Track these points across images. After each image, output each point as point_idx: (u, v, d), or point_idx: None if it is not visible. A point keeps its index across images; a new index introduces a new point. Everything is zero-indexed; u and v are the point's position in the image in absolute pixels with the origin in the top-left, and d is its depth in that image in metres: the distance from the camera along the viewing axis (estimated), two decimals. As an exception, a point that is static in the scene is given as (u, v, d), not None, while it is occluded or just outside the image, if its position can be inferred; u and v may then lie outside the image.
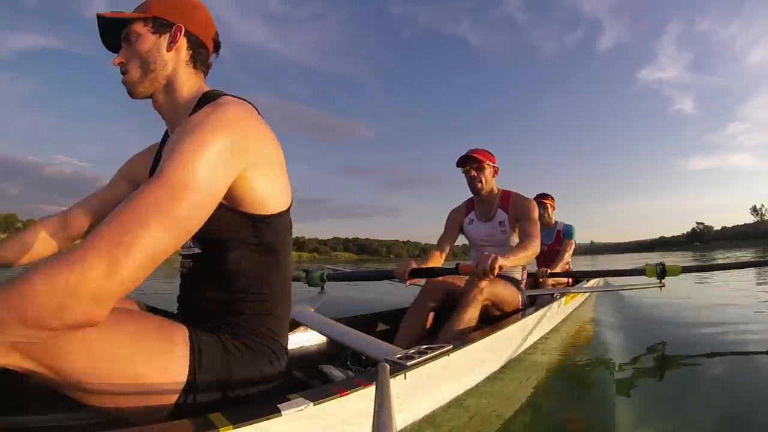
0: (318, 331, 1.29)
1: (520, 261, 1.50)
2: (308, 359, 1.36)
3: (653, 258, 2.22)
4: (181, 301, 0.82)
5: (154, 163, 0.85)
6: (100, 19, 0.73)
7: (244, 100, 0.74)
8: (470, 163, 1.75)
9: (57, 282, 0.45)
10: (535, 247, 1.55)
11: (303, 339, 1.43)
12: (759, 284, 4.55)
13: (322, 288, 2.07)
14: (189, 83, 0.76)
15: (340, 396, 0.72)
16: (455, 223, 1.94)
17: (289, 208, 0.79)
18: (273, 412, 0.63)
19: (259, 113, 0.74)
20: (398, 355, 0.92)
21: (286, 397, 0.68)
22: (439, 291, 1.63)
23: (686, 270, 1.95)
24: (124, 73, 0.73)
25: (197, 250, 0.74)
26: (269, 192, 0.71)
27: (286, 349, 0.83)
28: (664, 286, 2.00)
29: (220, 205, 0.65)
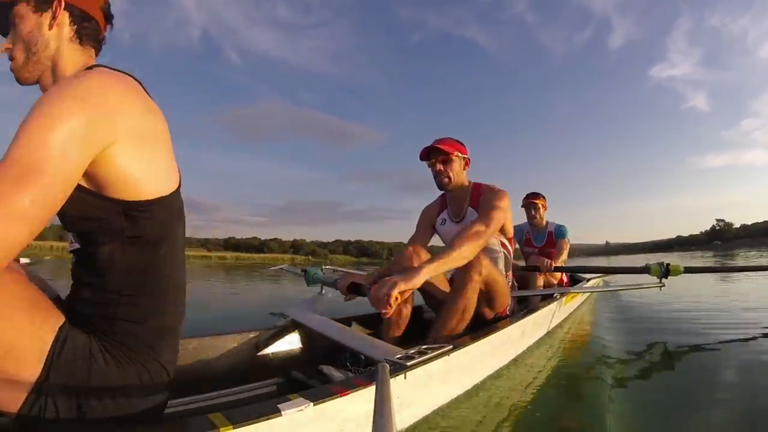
0: (317, 331, 1.32)
1: (449, 263, 1.25)
2: (308, 359, 1.40)
3: (671, 258, 2.28)
4: (66, 299, 0.75)
5: None
6: None
7: (125, 73, 0.68)
8: (435, 155, 1.60)
9: None
10: (477, 236, 1.32)
11: (302, 339, 1.46)
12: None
13: (322, 287, 2.11)
14: (75, 61, 0.72)
15: (341, 396, 0.75)
16: (428, 222, 1.81)
17: (174, 192, 0.71)
18: (273, 412, 0.66)
19: (142, 87, 0.69)
20: (398, 355, 0.95)
21: (286, 397, 0.71)
22: (414, 264, 1.47)
23: (688, 270, 2.07)
24: (11, 59, 0.70)
25: (77, 246, 0.69)
26: (142, 172, 0.64)
27: (167, 373, 0.72)
28: (664, 286, 2.06)
29: (84, 190, 0.61)
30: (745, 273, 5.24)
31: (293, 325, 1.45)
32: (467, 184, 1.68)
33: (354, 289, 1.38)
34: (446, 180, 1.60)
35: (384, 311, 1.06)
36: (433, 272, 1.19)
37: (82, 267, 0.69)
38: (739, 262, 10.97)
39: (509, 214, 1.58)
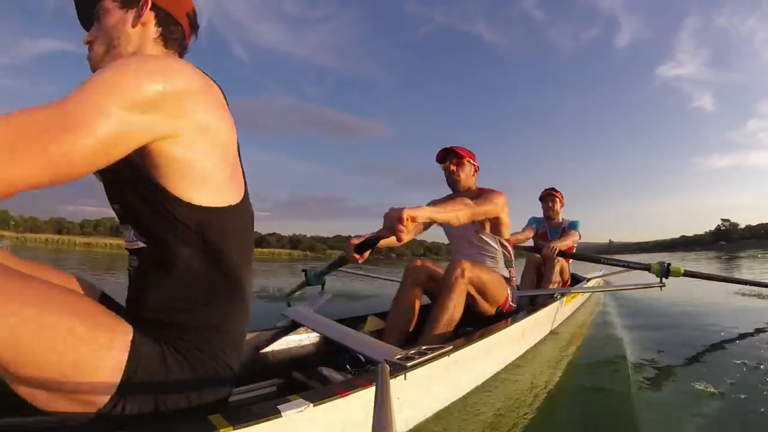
0: (318, 332, 1.33)
1: (446, 215, 1.33)
2: (308, 360, 1.40)
3: (674, 258, 2.30)
4: (127, 301, 0.74)
5: None
6: None
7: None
8: (450, 157, 1.79)
9: None
10: (466, 205, 1.44)
11: (302, 340, 1.47)
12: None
13: (322, 287, 2.12)
14: None
15: (341, 397, 0.76)
16: None
17: (245, 199, 0.73)
18: (273, 413, 0.66)
19: (222, 93, 0.70)
20: (398, 356, 0.95)
21: (286, 398, 0.72)
22: (421, 274, 1.63)
23: (688, 274, 2.13)
24: (90, 51, 0.72)
25: (141, 245, 0.67)
26: (208, 173, 0.64)
27: (233, 372, 0.75)
28: (664, 286, 2.07)
29: (163, 192, 0.61)
30: (750, 270, 5.28)
31: (293, 326, 1.46)
32: (474, 188, 1.83)
33: (360, 247, 1.39)
34: (457, 179, 1.78)
35: (399, 229, 1.13)
36: (431, 214, 1.26)
37: (150, 270, 0.68)
38: (745, 262, 10.97)
39: (504, 215, 1.72)
